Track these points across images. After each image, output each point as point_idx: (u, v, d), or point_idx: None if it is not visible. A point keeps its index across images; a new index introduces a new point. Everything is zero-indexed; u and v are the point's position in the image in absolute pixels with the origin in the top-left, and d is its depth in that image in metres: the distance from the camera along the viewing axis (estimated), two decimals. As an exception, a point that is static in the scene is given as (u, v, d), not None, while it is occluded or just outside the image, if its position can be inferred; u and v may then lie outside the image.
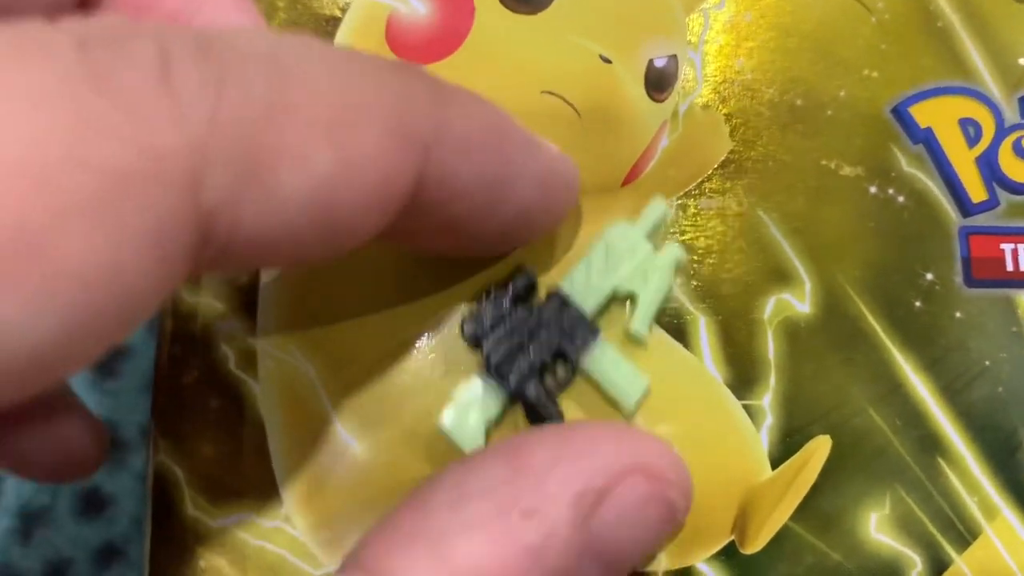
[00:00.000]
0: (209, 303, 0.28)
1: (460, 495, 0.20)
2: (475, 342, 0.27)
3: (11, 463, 0.25)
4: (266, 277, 0.29)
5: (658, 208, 0.28)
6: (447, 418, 0.27)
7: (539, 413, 0.27)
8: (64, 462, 0.26)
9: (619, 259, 0.28)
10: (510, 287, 0.27)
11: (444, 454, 0.27)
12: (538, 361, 0.27)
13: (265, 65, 0.18)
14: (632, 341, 0.28)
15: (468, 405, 0.27)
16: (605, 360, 0.27)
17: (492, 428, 0.27)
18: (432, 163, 0.21)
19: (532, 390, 0.27)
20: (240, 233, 0.18)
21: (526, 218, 0.25)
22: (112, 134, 0.15)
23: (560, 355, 0.27)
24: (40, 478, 0.27)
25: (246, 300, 0.28)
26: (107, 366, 0.44)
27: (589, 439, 0.21)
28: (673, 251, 0.28)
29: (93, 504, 0.45)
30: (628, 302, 0.28)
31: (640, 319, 0.28)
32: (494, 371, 0.27)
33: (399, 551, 0.19)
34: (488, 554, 0.18)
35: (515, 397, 0.27)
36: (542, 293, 0.28)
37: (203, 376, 0.28)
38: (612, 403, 0.27)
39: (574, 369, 0.27)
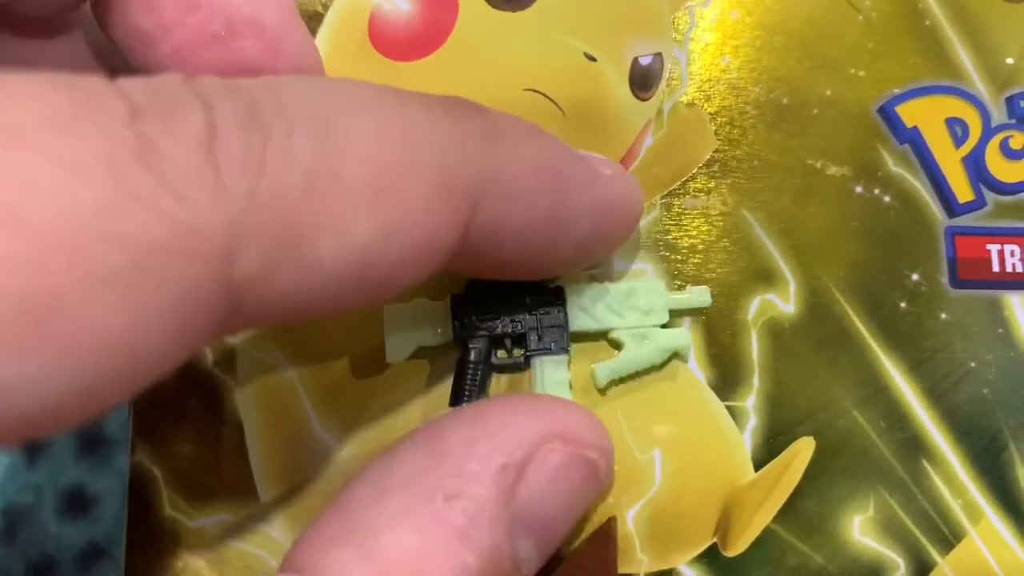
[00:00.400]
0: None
1: (382, 488, 0.19)
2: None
3: None
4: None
5: (701, 296, 0.28)
6: (388, 314, 0.27)
7: (464, 373, 0.27)
8: None
9: (633, 309, 0.27)
10: None
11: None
12: (499, 329, 0.27)
13: (310, 130, 0.18)
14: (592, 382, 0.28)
15: (411, 323, 0.27)
16: (552, 377, 0.27)
17: (413, 352, 0.27)
18: (482, 213, 0.21)
19: (476, 345, 0.27)
20: (272, 302, 0.18)
21: (585, 248, 0.25)
22: (149, 208, 0.15)
23: (520, 340, 0.27)
24: None
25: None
26: (92, 364, 0.44)
27: (503, 414, 0.21)
28: (680, 337, 0.28)
29: (77, 503, 0.45)
30: (612, 347, 0.28)
31: (607, 370, 0.27)
32: (455, 305, 0.27)
33: (329, 551, 0.18)
34: (415, 542, 0.18)
35: (457, 342, 0.27)
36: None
37: (182, 375, 0.28)
38: None
39: (524, 361, 0.27)
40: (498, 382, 0.28)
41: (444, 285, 0.28)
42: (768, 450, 0.28)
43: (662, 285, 0.28)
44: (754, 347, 0.28)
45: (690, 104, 0.30)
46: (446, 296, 0.27)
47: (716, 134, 0.30)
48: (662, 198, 0.29)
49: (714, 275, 0.29)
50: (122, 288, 0.15)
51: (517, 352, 0.27)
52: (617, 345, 0.28)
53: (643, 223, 0.29)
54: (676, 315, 0.28)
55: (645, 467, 0.27)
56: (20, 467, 0.44)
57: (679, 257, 0.29)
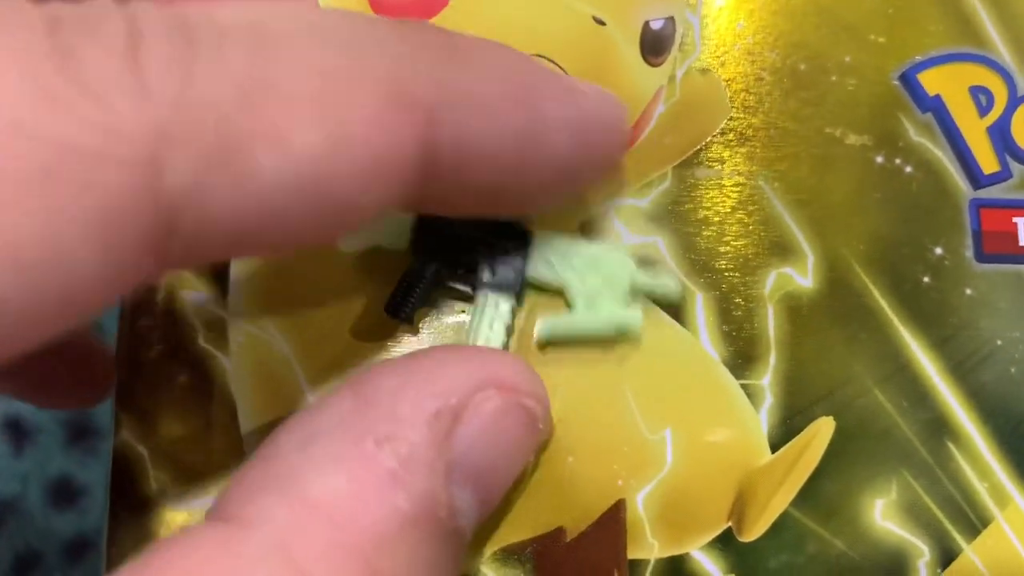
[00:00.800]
0: (178, 272, 0.27)
1: (309, 434, 0.19)
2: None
3: (13, 387, 0.25)
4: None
5: (669, 285, 0.27)
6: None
7: (408, 284, 0.26)
8: (67, 385, 0.25)
9: (594, 275, 0.26)
10: None
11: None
12: (454, 256, 0.26)
13: (246, 40, 0.17)
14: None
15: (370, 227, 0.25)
16: (490, 313, 0.26)
17: (367, 245, 0.26)
18: (443, 126, 0.19)
19: (426, 263, 0.25)
20: (212, 222, 0.17)
21: (565, 172, 0.23)
22: (66, 109, 0.15)
23: (471, 273, 0.26)
24: (42, 402, 0.27)
25: (217, 270, 0.27)
26: (81, 350, 0.43)
27: (436, 362, 0.21)
28: (632, 318, 0.26)
29: (64, 495, 0.43)
30: (564, 303, 0.27)
31: (548, 330, 0.26)
32: (418, 222, 0.26)
33: (255, 497, 0.18)
34: (344, 485, 0.18)
35: (412, 252, 0.26)
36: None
37: (169, 350, 0.27)
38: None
39: (470, 295, 0.26)
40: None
41: None
42: (785, 431, 0.26)
43: (631, 262, 0.26)
44: (770, 323, 0.27)
45: (704, 70, 0.29)
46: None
47: (731, 101, 0.28)
48: (674, 168, 0.28)
49: (729, 248, 0.27)
50: (36, 188, 0.14)
51: (463, 285, 0.26)
52: (568, 305, 0.26)
53: (654, 194, 0.28)
54: (636, 295, 0.27)
55: (656, 448, 0.26)
56: (7, 456, 0.43)
57: (692, 230, 0.27)
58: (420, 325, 0.27)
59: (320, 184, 0.18)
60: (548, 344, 0.26)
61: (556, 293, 0.27)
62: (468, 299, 0.26)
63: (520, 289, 0.26)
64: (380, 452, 0.18)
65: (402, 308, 0.26)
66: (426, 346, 0.26)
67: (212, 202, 0.17)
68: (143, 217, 0.16)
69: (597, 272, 0.26)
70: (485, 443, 0.20)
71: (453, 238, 0.26)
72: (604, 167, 0.25)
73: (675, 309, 0.27)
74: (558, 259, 0.26)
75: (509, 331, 0.26)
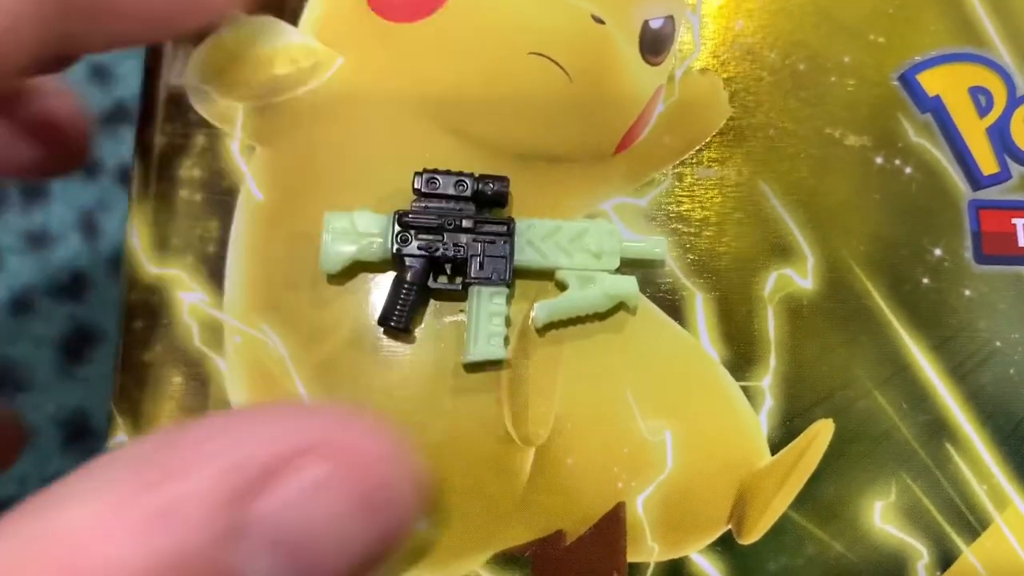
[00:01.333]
0: (173, 274, 0.27)
1: (107, 460, 0.17)
2: (417, 192, 0.26)
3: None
4: (234, 246, 0.27)
5: (656, 246, 0.27)
6: (330, 223, 0.26)
7: (398, 292, 0.26)
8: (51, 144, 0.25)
9: (583, 250, 0.26)
10: (488, 180, 0.26)
11: (421, 434, 0.26)
12: (440, 251, 0.26)
13: None
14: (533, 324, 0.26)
15: (351, 234, 0.26)
16: (486, 308, 0.26)
17: (348, 264, 0.26)
18: None
19: (413, 265, 0.26)
20: None
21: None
22: None
23: (461, 267, 0.26)
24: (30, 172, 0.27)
25: (213, 271, 0.27)
26: (76, 351, 0.43)
27: (264, 416, 0.19)
28: (628, 285, 0.26)
29: (60, 494, 0.43)
30: (553, 287, 0.27)
31: (546, 308, 0.26)
32: (398, 221, 0.26)
33: (8, 523, 0.16)
34: (88, 522, 0.16)
35: (395, 259, 0.26)
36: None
37: (165, 352, 0.26)
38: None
39: (462, 288, 0.26)
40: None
41: (391, 200, 0.26)
42: (785, 432, 0.26)
43: (616, 229, 0.26)
44: (770, 324, 0.27)
45: (703, 70, 0.28)
46: (390, 210, 0.26)
47: (730, 101, 0.28)
48: (674, 168, 0.28)
49: (728, 249, 0.27)
50: None
51: (456, 279, 0.26)
52: (562, 286, 0.26)
53: (654, 194, 0.28)
54: (628, 263, 0.27)
55: (656, 450, 0.26)
56: (2, 457, 0.42)
57: (692, 230, 0.27)
58: (416, 330, 0.26)
59: None
60: (548, 327, 0.26)
61: (547, 276, 0.27)
62: (461, 297, 0.26)
63: (510, 278, 0.26)
64: (150, 492, 0.16)
65: (394, 318, 0.26)
66: (426, 346, 0.26)
67: None
68: None
69: (584, 248, 0.26)
70: (298, 513, 0.18)
71: (436, 236, 0.26)
72: None
73: (675, 309, 0.27)
74: (544, 242, 0.26)
75: (508, 321, 0.26)
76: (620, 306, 0.26)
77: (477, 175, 0.26)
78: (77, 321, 0.43)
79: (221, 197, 0.27)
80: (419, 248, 0.26)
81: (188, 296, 0.27)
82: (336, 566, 0.18)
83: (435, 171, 0.26)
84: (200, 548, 0.16)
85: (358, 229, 0.26)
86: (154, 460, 0.17)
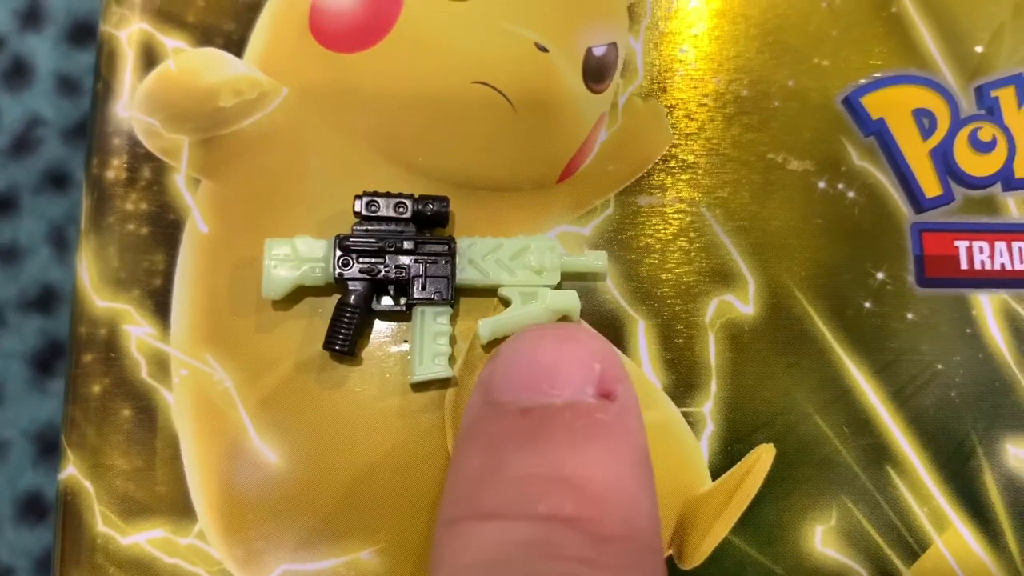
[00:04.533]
0: (121, 308, 0.27)
1: None
2: (357, 215, 0.26)
3: None
4: (180, 279, 0.27)
5: (596, 260, 0.27)
6: (271, 250, 0.26)
7: (341, 315, 0.26)
8: None
9: (524, 266, 0.26)
10: (427, 201, 0.26)
11: (365, 465, 0.26)
12: (382, 274, 0.26)
13: None
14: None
15: (292, 259, 0.26)
16: (430, 328, 0.26)
17: (291, 289, 0.26)
18: None
19: (356, 288, 0.26)
20: None
21: None
22: None
23: (404, 288, 0.26)
24: None
25: (160, 304, 0.27)
26: (47, 365, 0.43)
27: None
28: (569, 299, 0.26)
29: (34, 510, 0.44)
30: (496, 304, 0.27)
31: (490, 327, 0.26)
32: (339, 245, 0.26)
33: None
34: None
35: (337, 283, 0.26)
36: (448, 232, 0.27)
37: (114, 385, 0.27)
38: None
39: (406, 309, 0.26)
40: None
41: (332, 224, 0.27)
42: (726, 457, 0.27)
43: (556, 244, 0.27)
44: (711, 350, 0.27)
45: (646, 96, 0.29)
46: (332, 236, 0.26)
47: (673, 128, 0.28)
48: (617, 195, 0.28)
49: (670, 275, 0.27)
50: None
51: (396, 301, 0.27)
52: (505, 302, 0.27)
53: (597, 221, 0.28)
54: (569, 278, 0.27)
55: (598, 477, 0.26)
56: (-23, 471, 0.43)
57: (634, 257, 0.28)
58: (361, 352, 0.27)
59: None
60: (492, 344, 0.27)
61: (490, 293, 0.27)
62: (405, 318, 0.27)
63: (453, 296, 0.26)
64: None
65: (338, 341, 0.26)
66: (372, 368, 0.27)
67: None
68: None
69: (525, 264, 0.27)
70: None
71: (378, 258, 0.26)
72: None
73: (618, 336, 0.27)
74: (482, 259, 0.27)
75: (452, 340, 0.26)
76: (563, 320, 0.27)
77: (417, 196, 0.26)
78: (47, 335, 0.43)
79: (167, 230, 0.27)
80: (361, 271, 0.26)
81: (135, 330, 0.27)
82: None
83: (375, 193, 0.26)
84: None
85: (300, 255, 0.26)
86: None
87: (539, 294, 0.26)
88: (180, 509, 0.26)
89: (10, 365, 0.43)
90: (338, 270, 0.26)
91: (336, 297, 0.27)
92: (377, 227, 0.26)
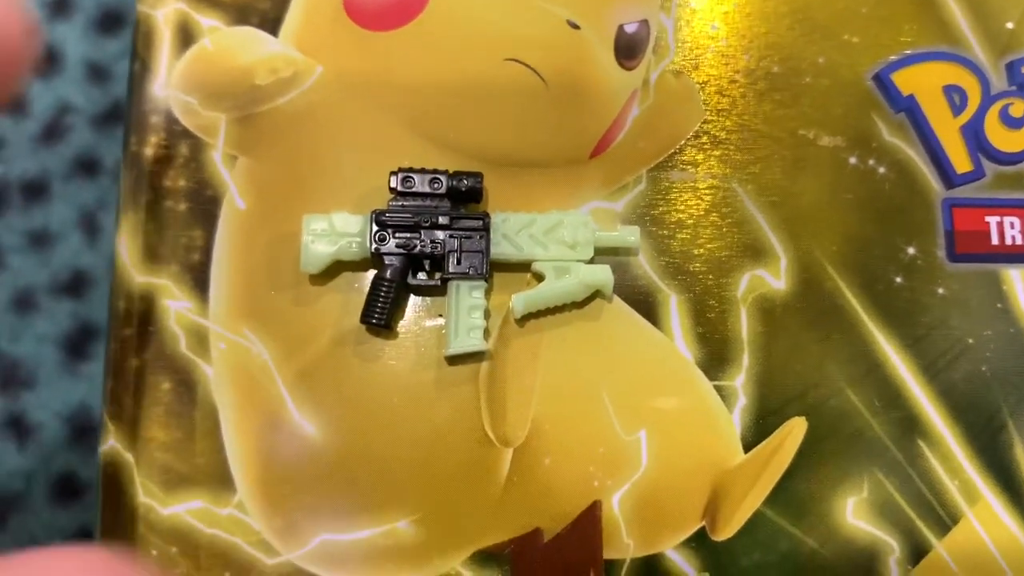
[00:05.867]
0: (160, 283, 0.27)
1: None
2: (393, 191, 0.27)
3: None
4: (218, 254, 0.27)
5: (630, 235, 0.27)
6: (309, 225, 0.26)
7: (378, 290, 0.26)
8: None
9: (557, 241, 0.27)
10: (461, 177, 0.27)
11: (402, 438, 0.26)
12: (418, 248, 0.26)
13: None
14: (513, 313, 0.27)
15: (330, 234, 0.26)
16: (465, 302, 0.26)
17: (329, 263, 0.27)
18: None
19: (392, 263, 0.26)
20: None
21: None
22: None
23: (439, 263, 0.27)
24: None
25: (199, 279, 0.27)
26: (79, 348, 0.43)
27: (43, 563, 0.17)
28: (602, 274, 0.27)
29: (68, 490, 0.44)
30: (531, 278, 0.27)
31: (524, 300, 0.27)
32: (375, 220, 0.26)
33: None
34: None
35: (374, 258, 0.27)
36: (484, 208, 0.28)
37: (153, 358, 0.27)
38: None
39: (440, 284, 0.27)
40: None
41: (367, 201, 0.27)
42: (758, 431, 0.27)
43: (589, 219, 0.27)
44: (743, 325, 0.27)
45: (677, 73, 0.29)
46: (368, 211, 0.27)
47: (704, 104, 0.29)
48: (649, 171, 0.28)
49: (702, 251, 0.28)
50: None
51: (431, 275, 0.27)
52: (539, 277, 0.27)
53: (629, 198, 0.28)
54: (601, 252, 0.27)
55: (631, 449, 0.26)
56: (10, 453, 0.43)
57: (666, 232, 0.28)
58: (397, 329, 0.27)
59: None
60: (527, 318, 0.27)
61: (523, 268, 0.27)
62: (440, 292, 0.27)
63: (487, 271, 0.27)
64: None
65: (375, 315, 0.26)
66: (408, 341, 0.27)
67: None
68: None
69: (559, 239, 0.27)
70: None
71: (413, 234, 0.26)
72: None
73: (650, 311, 0.27)
74: (516, 234, 0.27)
75: (487, 314, 0.27)
76: (596, 294, 0.27)
77: (451, 172, 0.27)
78: (79, 319, 0.44)
79: (205, 206, 0.28)
80: (397, 246, 0.26)
81: (174, 304, 0.27)
82: None
83: (410, 169, 0.26)
84: None
85: (337, 230, 0.26)
86: None
87: (572, 268, 0.27)
88: (219, 480, 0.26)
89: (43, 349, 0.43)
90: (375, 245, 0.26)
91: (372, 272, 0.27)
92: (413, 203, 0.26)
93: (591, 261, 0.27)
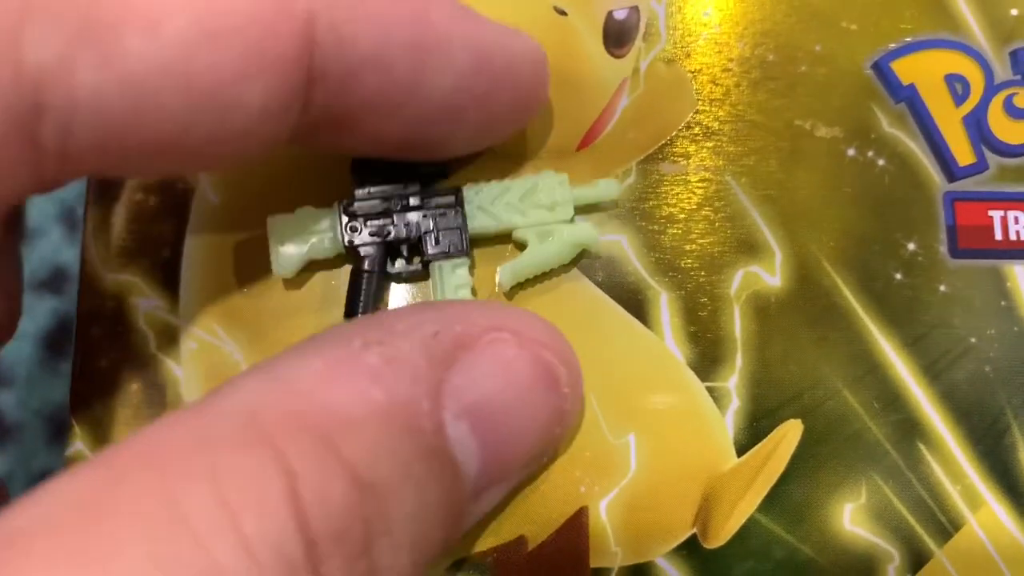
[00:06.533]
0: (127, 280, 0.26)
1: (311, 339, 0.19)
2: (356, 182, 0.25)
3: None
4: (189, 250, 0.26)
5: (607, 188, 0.26)
6: (275, 227, 0.25)
7: (358, 283, 0.25)
8: None
9: (535, 205, 0.26)
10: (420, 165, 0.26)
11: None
12: (392, 235, 0.25)
13: None
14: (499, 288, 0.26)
15: (299, 233, 0.25)
16: (452, 281, 0.25)
17: (303, 264, 0.25)
18: (323, 24, 0.19)
19: (369, 253, 0.25)
20: (81, 104, 0.17)
21: (469, 96, 0.22)
22: None
23: (417, 246, 0.26)
24: None
25: (167, 275, 0.26)
26: (60, 346, 0.43)
27: (457, 305, 0.21)
28: (586, 231, 0.26)
29: (46, 489, 0.43)
30: (512, 248, 0.26)
31: (511, 271, 0.26)
32: (344, 211, 0.25)
33: (235, 380, 0.18)
34: (320, 368, 0.18)
35: (348, 251, 0.25)
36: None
37: (122, 358, 0.26)
38: None
39: (422, 268, 0.26)
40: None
41: (330, 192, 0.26)
42: (752, 434, 0.26)
43: (565, 178, 0.26)
44: (737, 323, 0.26)
45: (669, 61, 0.28)
46: (333, 203, 0.25)
47: (697, 94, 0.28)
48: (639, 163, 0.27)
49: (694, 246, 0.27)
50: None
51: (411, 261, 0.26)
52: (521, 245, 0.26)
53: (619, 190, 0.27)
54: (582, 210, 0.26)
55: (619, 453, 0.26)
56: (-12, 452, 0.43)
57: (656, 227, 0.27)
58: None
59: (190, 71, 0.18)
60: (515, 289, 0.26)
61: (503, 239, 0.26)
62: (423, 277, 0.26)
63: (468, 247, 0.26)
64: (365, 351, 0.18)
65: (357, 308, 0.25)
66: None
67: (77, 81, 0.17)
68: (5, 87, 0.16)
69: (536, 203, 0.26)
70: (492, 382, 0.20)
71: (385, 219, 0.25)
72: (518, 104, 0.24)
73: (639, 308, 0.26)
74: (492, 204, 0.26)
75: (473, 291, 0.26)
76: (583, 254, 0.26)
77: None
78: (59, 315, 0.43)
79: (176, 200, 0.27)
80: (371, 235, 0.25)
81: (144, 302, 0.26)
82: (522, 435, 0.20)
83: (376, 162, 0.25)
84: (411, 402, 0.18)
85: (306, 228, 0.25)
86: (359, 331, 0.19)
87: (555, 231, 0.26)
88: (190, 485, 0.25)
89: (22, 346, 0.42)
90: (347, 237, 0.25)
91: (349, 267, 0.26)
92: (379, 188, 0.25)
93: (572, 220, 0.26)
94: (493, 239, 0.26)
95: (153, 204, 0.27)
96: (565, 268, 0.26)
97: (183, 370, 0.26)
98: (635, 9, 0.28)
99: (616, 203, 0.26)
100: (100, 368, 0.26)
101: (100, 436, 0.26)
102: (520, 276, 0.26)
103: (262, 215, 0.26)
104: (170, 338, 0.26)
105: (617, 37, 0.28)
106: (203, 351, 0.26)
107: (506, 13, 0.27)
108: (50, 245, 0.43)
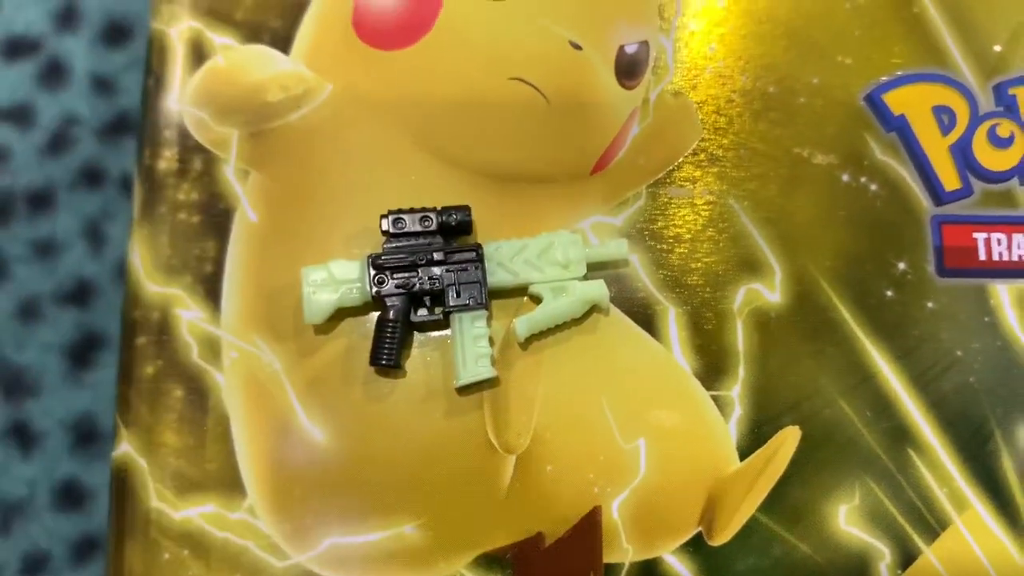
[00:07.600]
0: (173, 293, 0.28)
1: None
2: (386, 233, 0.27)
3: None
4: (230, 265, 0.28)
5: (618, 248, 0.28)
6: (309, 277, 0.27)
7: (383, 331, 0.27)
8: None
9: (551, 263, 0.28)
10: (450, 212, 0.27)
11: (409, 444, 0.27)
12: (417, 287, 0.27)
13: None
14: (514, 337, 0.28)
15: (329, 284, 0.27)
16: (470, 331, 0.27)
17: (332, 312, 0.27)
18: None
19: (394, 303, 0.27)
20: None
21: None
22: None
23: (439, 297, 0.27)
24: None
25: (210, 289, 0.28)
26: (84, 357, 0.44)
27: None
28: (597, 288, 0.28)
29: (71, 497, 0.45)
30: (527, 301, 0.28)
31: (525, 322, 0.28)
32: (373, 266, 0.27)
33: None
34: None
35: (375, 301, 0.27)
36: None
37: (166, 366, 0.28)
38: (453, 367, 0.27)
39: (443, 318, 0.28)
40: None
41: (361, 244, 0.28)
42: (753, 439, 0.28)
43: (579, 238, 0.28)
44: (739, 337, 0.28)
45: (676, 93, 0.30)
46: (363, 256, 0.27)
47: (702, 123, 0.29)
48: (648, 187, 0.29)
49: (700, 264, 0.29)
50: None
51: (436, 309, 0.28)
52: (536, 299, 0.28)
53: (628, 213, 0.29)
54: (594, 268, 0.28)
55: (630, 457, 0.27)
56: (14, 460, 0.44)
57: (664, 247, 0.29)
58: (404, 363, 0.28)
59: None
60: (529, 340, 0.28)
61: (520, 292, 0.28)
62: (443, 326, 0.28)
63: (487, 300, 0.27)
64: None
65: (384, 356, 0.27)
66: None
67: None
68: None
69: (552, 260, 0.28)
70: None
71: (410, 272, 0.27)
72: None
73: (649, 323, 0.28)
74: (510, 261, 0.28)
75: (491, 342, 0.28)
76: (593, 309, 0.28)
77: (439, 208, 0.27)
78: (83, 327, 0.45)
79: (217, 219, 0.28)
80: (396, 286, 0.27)
81: (187, 314, 0.28)
82: None
83: (399, 211, 0.27)
84: None
85: (336, 278, 0.27)
86: None
87: (568, 287, 0.27)
88: (230, 485, 0.27)
89: (47, 357, 0.44)
90: (374, 288, 0.27)
91: (375, 315, 0.28)
92: (406, 242, 0.27)
93: (585, 278, 0.28)
94: (509, 292, 0.28)
95: (196, 222, 0.28)
96: (576, 322, 0.28)
97: (224, 378, 0.28)
98: (645, 44, 0.30)
99: (627, 262, 0.28)
100: (146, 374, 0.28)
101: (145, 440, 0.27)
102: (535, 328, 0.27)
103: (299, 235, 0.28)
104: (212, 348, 0.28)
105: (628, 70, 0.29)
106: (243, 360, 0.28)
107: (525, 47, 0.29)
108: (74, 259, 0.45)
